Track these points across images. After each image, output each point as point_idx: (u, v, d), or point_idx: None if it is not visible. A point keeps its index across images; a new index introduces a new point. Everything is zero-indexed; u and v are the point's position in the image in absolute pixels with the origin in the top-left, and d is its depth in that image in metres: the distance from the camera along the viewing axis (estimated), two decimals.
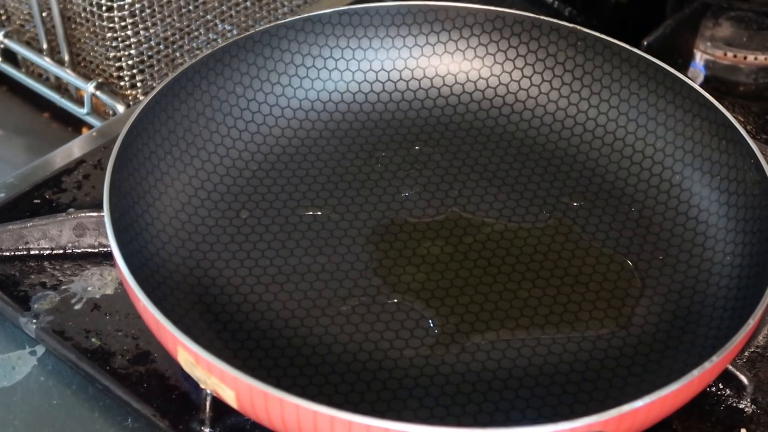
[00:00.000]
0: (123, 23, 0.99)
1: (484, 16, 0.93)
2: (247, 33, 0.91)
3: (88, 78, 1.06)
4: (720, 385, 0.76)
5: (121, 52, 1.02)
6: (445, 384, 0.73)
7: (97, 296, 0.80)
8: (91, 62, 1.07)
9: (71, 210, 0.84)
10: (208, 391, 0.69)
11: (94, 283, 0.80)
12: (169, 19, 1.02)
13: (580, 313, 0.78)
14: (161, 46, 1.03)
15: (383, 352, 0.75)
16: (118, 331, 0.78)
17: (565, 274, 0.81)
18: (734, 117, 0.84)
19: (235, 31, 1.04)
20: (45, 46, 1.08)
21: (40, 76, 1.12)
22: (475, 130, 0.92)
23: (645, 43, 1.01)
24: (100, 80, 1.03)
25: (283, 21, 0.92)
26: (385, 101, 0.93)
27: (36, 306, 0.79)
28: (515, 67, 0.93)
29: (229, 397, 0.66)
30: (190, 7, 1.02)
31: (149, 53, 1.05)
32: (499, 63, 0.93)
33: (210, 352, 0.65)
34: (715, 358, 0.67)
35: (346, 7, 0.94)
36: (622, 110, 0.90)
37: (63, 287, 0.80)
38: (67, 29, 1.05)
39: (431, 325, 0.77)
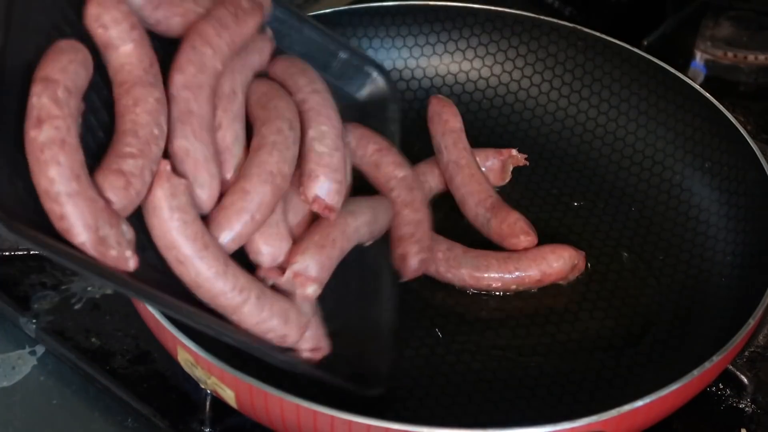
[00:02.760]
0: None
1: (484, 16, 0.93)
2: None
3: None
4: (720, 385, 0.76)
5: None
6: (445, 384, 0.73)
7: (97, 296, 0.80)
8: None
9: None
10: (208, 391, 0.69)
11: (94, 283, 0.80)
12: None
13: (580, 313, 0.78)
14: None
15: None
16: (118, 331, 0.78)
17: None
18: (734, 117, 0.84)
19: None
20: None
21: None
22: (476, 130, 0.92)
23: (645, 43, 1.01)
24: None
25: None
26: None
27: (36, 306, 0.79)
28: (515, 67, 0.93)
29: (229, 397, 0.66)
30: None
31: None
32: (499, 63, 0.93)
33: (210, 352, 0.65)
34: (715, 358, 0.67)
35: (346, 7, 0.94)
36: (623, 110, 0.90)
37: (63, 287, 0.80)
38: None
39: (432, 325, 0.77)
